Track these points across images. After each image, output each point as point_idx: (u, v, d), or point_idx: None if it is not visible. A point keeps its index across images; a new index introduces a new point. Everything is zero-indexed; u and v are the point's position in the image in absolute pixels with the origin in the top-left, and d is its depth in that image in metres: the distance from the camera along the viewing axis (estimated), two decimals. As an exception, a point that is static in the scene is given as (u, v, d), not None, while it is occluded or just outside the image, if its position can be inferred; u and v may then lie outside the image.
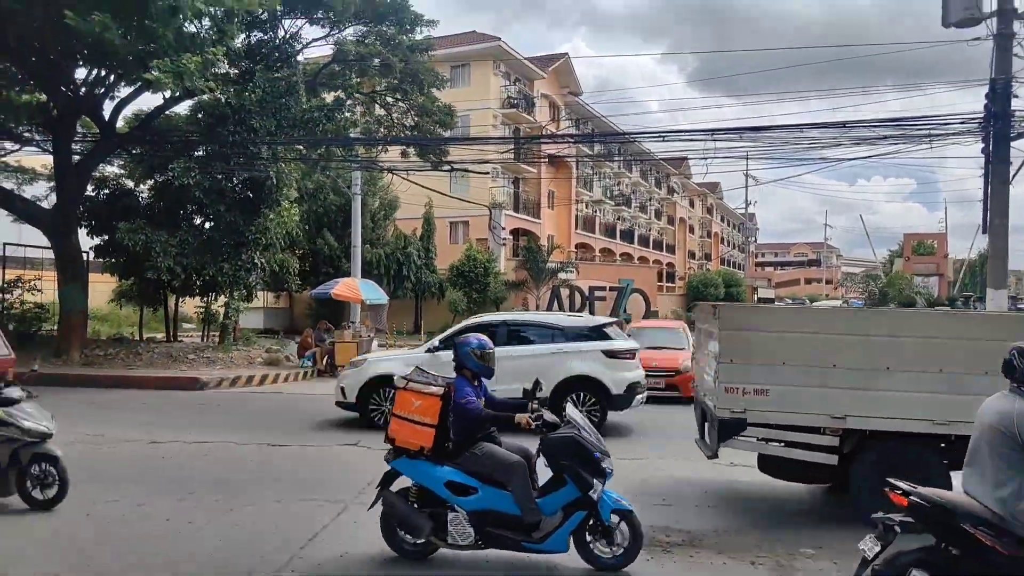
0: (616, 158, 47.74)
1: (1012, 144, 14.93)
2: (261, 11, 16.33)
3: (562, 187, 43.54)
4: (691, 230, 72.32)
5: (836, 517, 6.61)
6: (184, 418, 11.59)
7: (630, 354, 10.76)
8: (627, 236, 53.42)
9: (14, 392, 6.59)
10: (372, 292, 18.51)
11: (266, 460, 8.71)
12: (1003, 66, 14.71)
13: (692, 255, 70.85)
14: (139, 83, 16.11)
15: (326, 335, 18.18)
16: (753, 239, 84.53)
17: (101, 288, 21.70)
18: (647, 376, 13.53)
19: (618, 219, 53.10)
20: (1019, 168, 14.90)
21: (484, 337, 5.56)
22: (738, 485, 7.81)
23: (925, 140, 15.35)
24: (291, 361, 18.33)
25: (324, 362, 17.64)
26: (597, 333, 10.69)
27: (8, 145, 19.05)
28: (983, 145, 14.83)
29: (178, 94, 16.69)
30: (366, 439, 9.74)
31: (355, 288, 17.73)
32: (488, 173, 26.54)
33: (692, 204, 73.18)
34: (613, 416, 11.92)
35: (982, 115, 14.91)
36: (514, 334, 10.78)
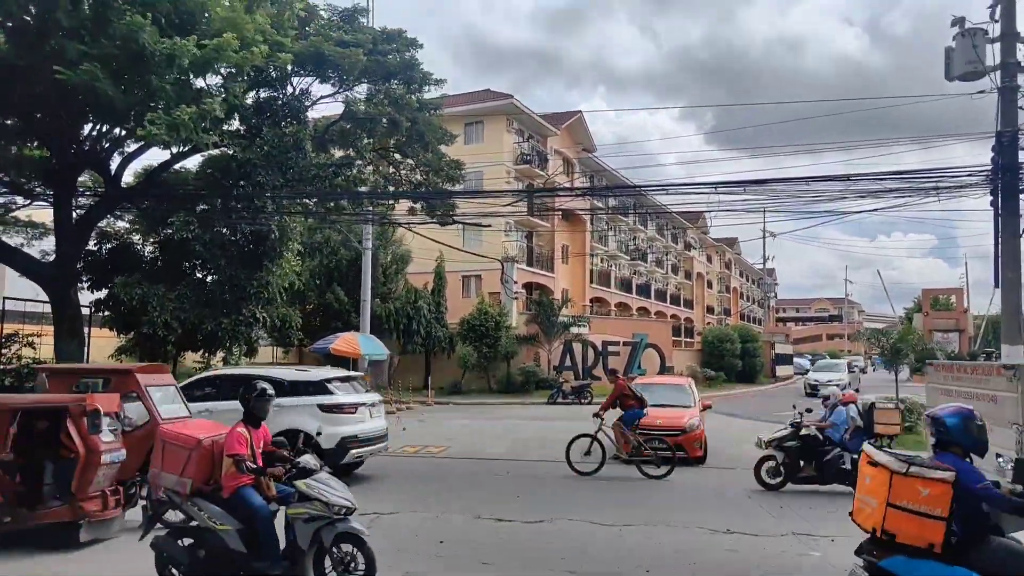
0: (630, 212, 47.76)
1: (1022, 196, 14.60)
2: (272, 68, 16.74)
3: (576, 241, 43.56)
4: (709, 285, 71.75)
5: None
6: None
7: (351, 408, 10.88)
8: (643, 291, 53.04)
9: (311, 460, 5.76)
10: (372, 347, 18.29)
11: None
12: (1008, 118, 14.50)
13: (711, 310, 70.07)
14: (144, 140, 16.42)
15: (326, 391, 17.90)
16: (773, 294, 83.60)
17: (103, 343, 21.74)
18: (648, 435, 13.11)
19: (634, 274, 52.84)
20: (1031, 221, 14.47)
21: (965, 406, 4.92)
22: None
23: (932, 193, 15.02)
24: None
25: (323, 418, 17.30)
26: (317, 387, 10.84)
27: (20, 200, 19.43)
28: (991, 198, 14.51)
29: (185, 148, 16.98)
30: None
31: (354, 343, 17.54)
32: (489, 226, 26.57)
33: (710, 259, 72.79)
34: (623, 475, 11.47)
35: (990, 168, 14.63)
36: (238, 388, 10.75)
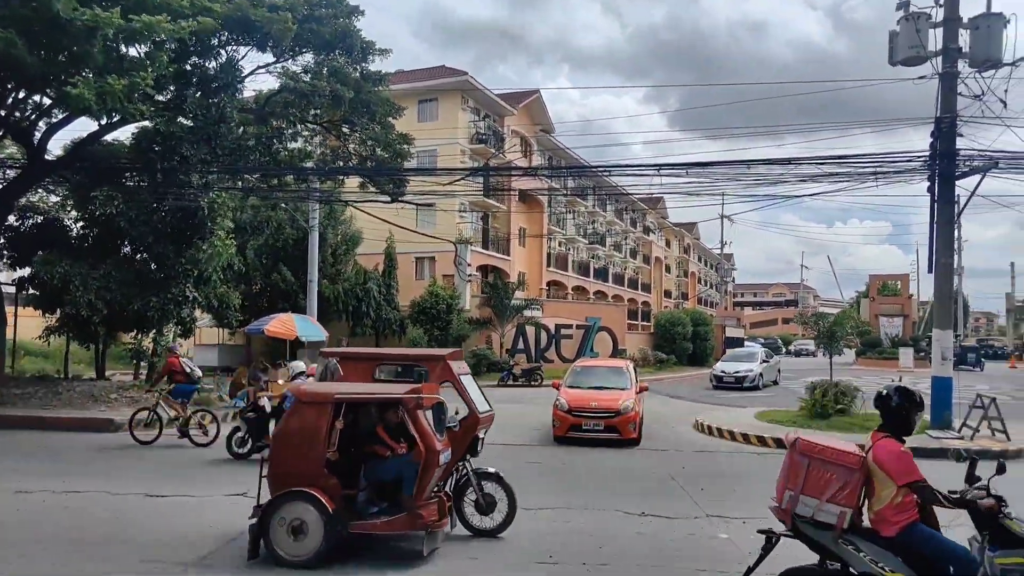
0: (589, 194, 47.59)
1: (967, 180, 14.67)
2: (197, 37, 15.92)
3: (534, 224, 43.24)
4: (667, 269, 72.27)
5: None
6: (77, 463, 10.79)
7: None
8: (601, 274, 53.11)
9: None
10: (308, 329, 17.75)
11: (132, 513, 7.89)
12: (948, 105, 14.54)
13: (668, 294, 70.64)
14: (70, 107, 15.57)
15: (261, 374, 17.34)
16: (731, 279, 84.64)
17: (33, 323, 20.83)
18: (586, 417, 12.97)
19: (592, 257, 52.84)
20: (964, 206, 14.63)
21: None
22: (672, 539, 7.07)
23: (872, 178, 15.05)
24: (224, 401, 17.48)
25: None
26: None
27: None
28: (928, 184, 14.59)
29: (115, 119, 16.16)
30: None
31: (290, 324, 16.99)
32: (432, 205, 26.11)
33: (668, 244, 73.27)
34: (554, 458, 11.28)
35: (927, 154, 14.69)
36: None
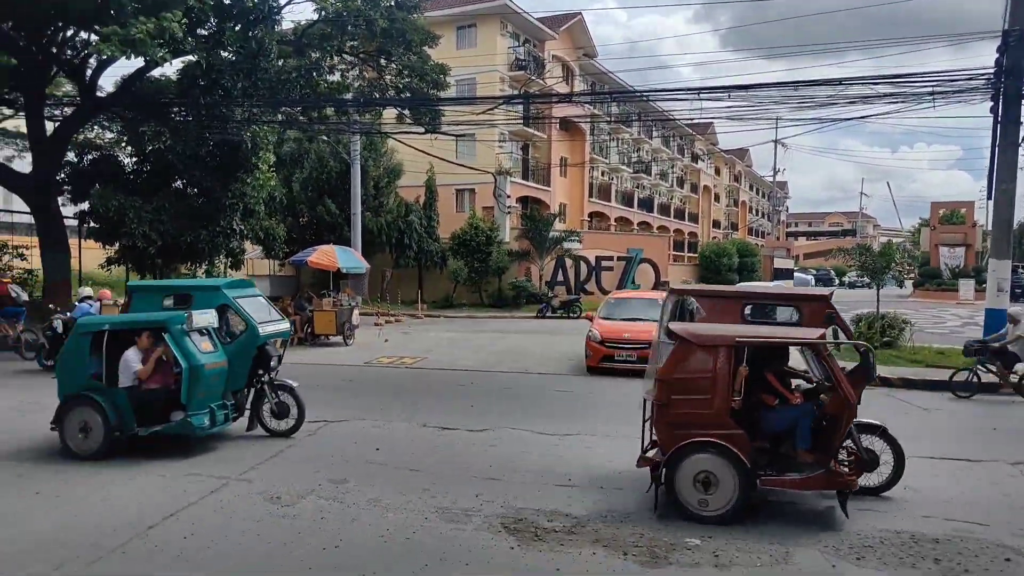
0: (633, 120, 46.20)
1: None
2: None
3: (575, 153, 42.50)
4: (716, 199, 70.44)
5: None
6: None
7: None
8: (645, 205, 52.14)
9: None
10: (349, 260, 18.09)
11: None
12: (1018, 16, 13.52)
13: (717, 224, 69.14)
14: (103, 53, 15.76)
15: (306, 303, 17.91)
16: (784, 208, 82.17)
17: (99, 254, 21.74)
18: (618, 348, 13.05)
19: (637, 187, 51.81)
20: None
21: None
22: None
23: (928, 98, 14.23)
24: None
25: (304, 331, 17.42)
26: None
27: (6, 110, 19.00)
28: (992, 104, 13.72)
29: (149, 59, 16.37)
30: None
31: (332, 256, 17.34)
32: (464, 136, 25.83)
33: (718, 172, 71.18)
34: (584, 388, 11.46)
35: (992, 71, 13.78)
36: None
